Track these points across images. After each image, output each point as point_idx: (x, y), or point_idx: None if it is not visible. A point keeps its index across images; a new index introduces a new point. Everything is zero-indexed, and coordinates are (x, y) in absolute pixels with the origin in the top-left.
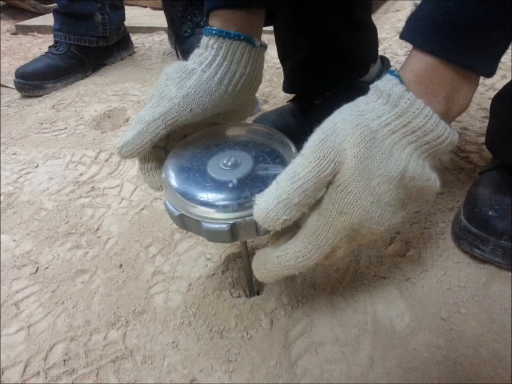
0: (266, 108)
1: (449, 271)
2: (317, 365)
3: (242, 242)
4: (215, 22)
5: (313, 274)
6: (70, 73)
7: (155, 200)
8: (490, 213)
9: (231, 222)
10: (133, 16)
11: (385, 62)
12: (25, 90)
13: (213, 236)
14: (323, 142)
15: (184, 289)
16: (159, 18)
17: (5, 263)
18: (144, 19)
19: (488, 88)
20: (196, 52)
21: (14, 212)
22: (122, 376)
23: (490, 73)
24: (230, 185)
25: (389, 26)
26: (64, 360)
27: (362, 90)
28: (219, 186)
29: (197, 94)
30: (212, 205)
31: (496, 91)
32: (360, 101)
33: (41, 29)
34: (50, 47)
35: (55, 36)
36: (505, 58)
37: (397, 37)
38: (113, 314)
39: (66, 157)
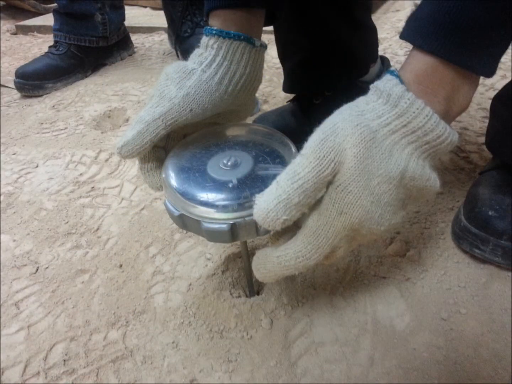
0: (266, 108)
1: (449, 271)
2: (317, 365)
3: (242, 242)
4: (215, 22)
5: (313, 274)
6: (70, 73)
7: (155, 200)
8: (490, 213)
9: (231, 222)
10: (133, 16)
11: (385, 62)
12: (25, 90)
13: (213, 236)
14: (323, 142)
15: (184, 289)
16: (159, 18)
17: (5, 263)
18: (144, 19)
19: (488, 88)
20: (196, 52)
21: (14, 212)
22: (122, 376)
23: (490, 73)
24: (230, 185)
25: (389, 26)
26: (64, 360)
27: (362, 90)
28: (219, 186)
29: (197, 94)
30: (212, 205)
31: (496, 91)
32: (360, 101)
33: (41, 29)
34: (50, 47)
35: (55, 36)
36: (505, 58)
37: (397, 37)
38: (113, 314)
39: (66, 157)
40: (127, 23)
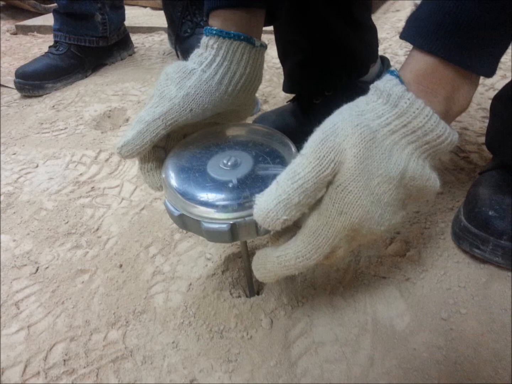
0: (266, 108)
1: (449, 271)
2: (317, 365)
3: (242, 242)
4: (215, 22)
5: (313, 274)
6: (70, 73)
7: (155, 200)
8: (490, 213)
9: (231, 222)
10: (133, 16)
11: (385, 62)
12: (25, 90)
13: (213, 236)
14: (323, 142)
15: (184, 289)
16: (159, 18)
17: (5, 263)
18: (144, 19)
19: (488, 88)
20: (196, 52)
21: (14, 212)
22: (122, 376)
23: (490, 73)
24: (230, 185)
25: (389, 26)
26: (64, 360)
27: (362, 90)
28: (219, 186)
29: (197, 94)
30: (212, 205)
31: (496, 91)
32: (360, 101)
33: (41, 29)
34: (50, 47)
35: (55, 36)
36: (505, 58)
37: (397, 37)
38: (113, 314)
39: (66, 157)
40: (127, 23)
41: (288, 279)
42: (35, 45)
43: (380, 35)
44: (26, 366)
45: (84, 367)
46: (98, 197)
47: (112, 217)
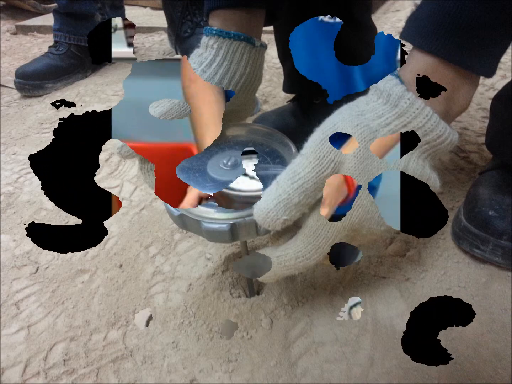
0: (266, 108)
1: (449, 271)
2: (317, 365)
3: (242, 242)
4: (215, 22)
5: (313, 274)
6: (70, 73)
7: (155, 200)
8: (490, 213)
9: (231, 222)
10: (133, 16)
11: None
12: (25, 90)
13: (213, 236)
14: (323, 142)
15: (184, 289)
16: (159, 18)
17: (5, 263)
18: (144, 19)
19: (488, 88)
20: (196, 52)
21: (14, 212)
22: (122, 376)
23: (490, 73)
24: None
25: (389, 26)
26: (64, 360)
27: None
28: (219, 186)
29: None
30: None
31: (496, 91)
32: (360, 101)
33: (41, 29)
34: (50, 47)
35: (55, 36)
36: (505, 58)
37: (397, 37)
38: (113, 314)
39: None
40: None
41: (288, 279)
42: (35, 45)
43: None
44: (26, 366)
45: (84, 367)
46: None
47: (112, 217)
